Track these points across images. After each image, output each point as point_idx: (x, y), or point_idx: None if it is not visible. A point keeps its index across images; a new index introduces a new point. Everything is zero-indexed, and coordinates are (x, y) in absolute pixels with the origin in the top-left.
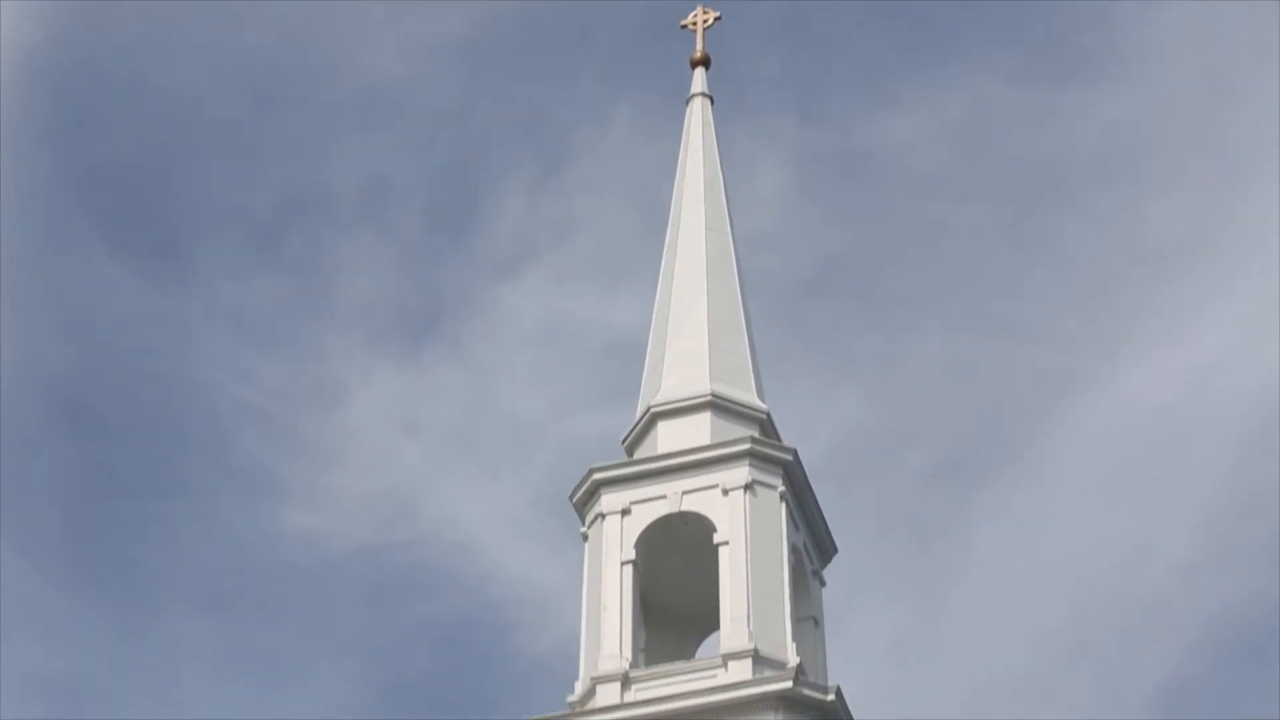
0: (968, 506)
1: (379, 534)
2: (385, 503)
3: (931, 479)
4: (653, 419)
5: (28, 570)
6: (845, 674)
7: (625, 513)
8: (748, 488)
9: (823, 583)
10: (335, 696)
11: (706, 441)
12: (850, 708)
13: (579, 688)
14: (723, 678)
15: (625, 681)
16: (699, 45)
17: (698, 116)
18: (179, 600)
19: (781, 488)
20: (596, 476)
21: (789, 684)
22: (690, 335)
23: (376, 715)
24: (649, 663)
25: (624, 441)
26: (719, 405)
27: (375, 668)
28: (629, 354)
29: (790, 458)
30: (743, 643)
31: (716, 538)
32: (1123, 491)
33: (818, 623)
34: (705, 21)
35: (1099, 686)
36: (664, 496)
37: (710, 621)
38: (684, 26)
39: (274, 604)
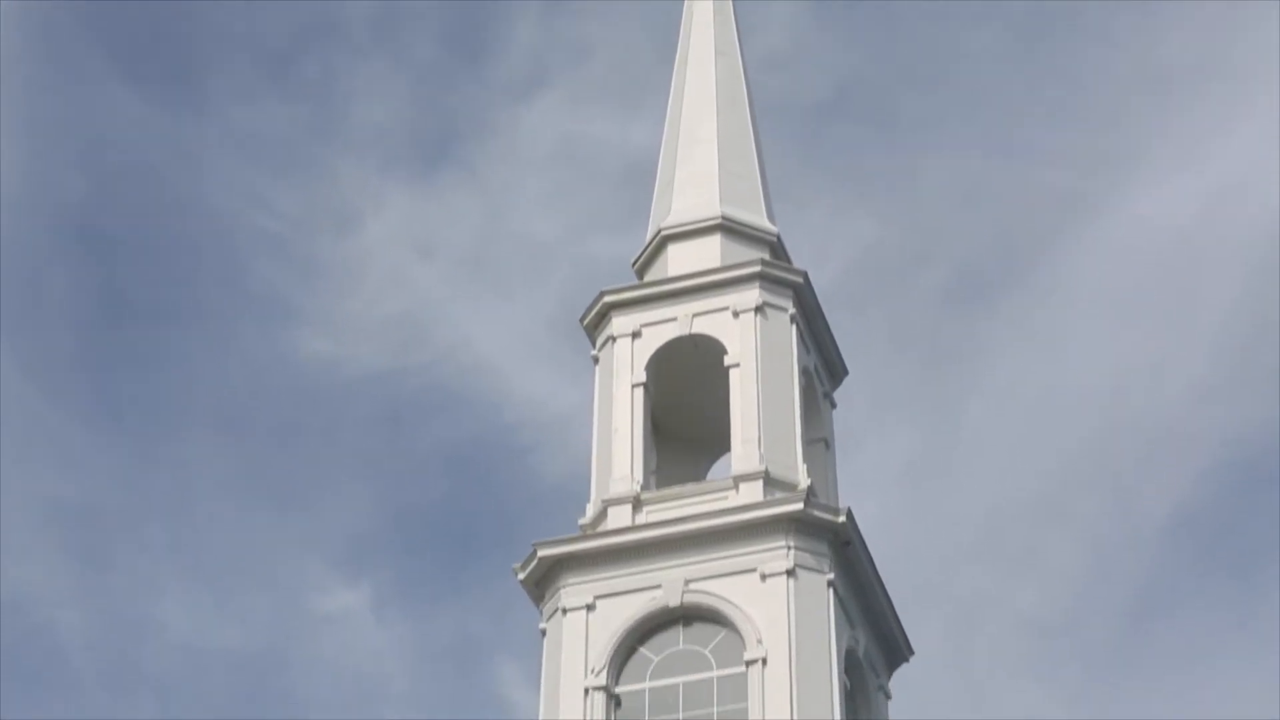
0: (981, 328)
1: (393, 358)
2: (399, 327)
3: (945, 301)
4: (663, 242)
5: (43, 397)
6: (858, 497)
7: (635, 335)
8: (758, 310)
9: (834, 405)
10: (350, 520)
11: (716, 264)
12: (862, 530)
13: (590, 510)
14: (733, 500)
15: (636, 504)
16: None
17: None
18: (194, 425)
19: (792, 310)
20: (607, 299)
21: (800, 506)
22: (700, 158)
23: (391, 538)
24: (660, 485)
25: (634, 264)
26: (729, 228)
27: (389, 491)
28: (643, 177)
29: (800, 280)
30: (753, 465)
31: (727, 360)
32: (1136, 314)
33: (829, 445)
34: None
35: (1113, 509)
36: (674, 319)
37: (721, 444)
38: None
39: (289, 429)
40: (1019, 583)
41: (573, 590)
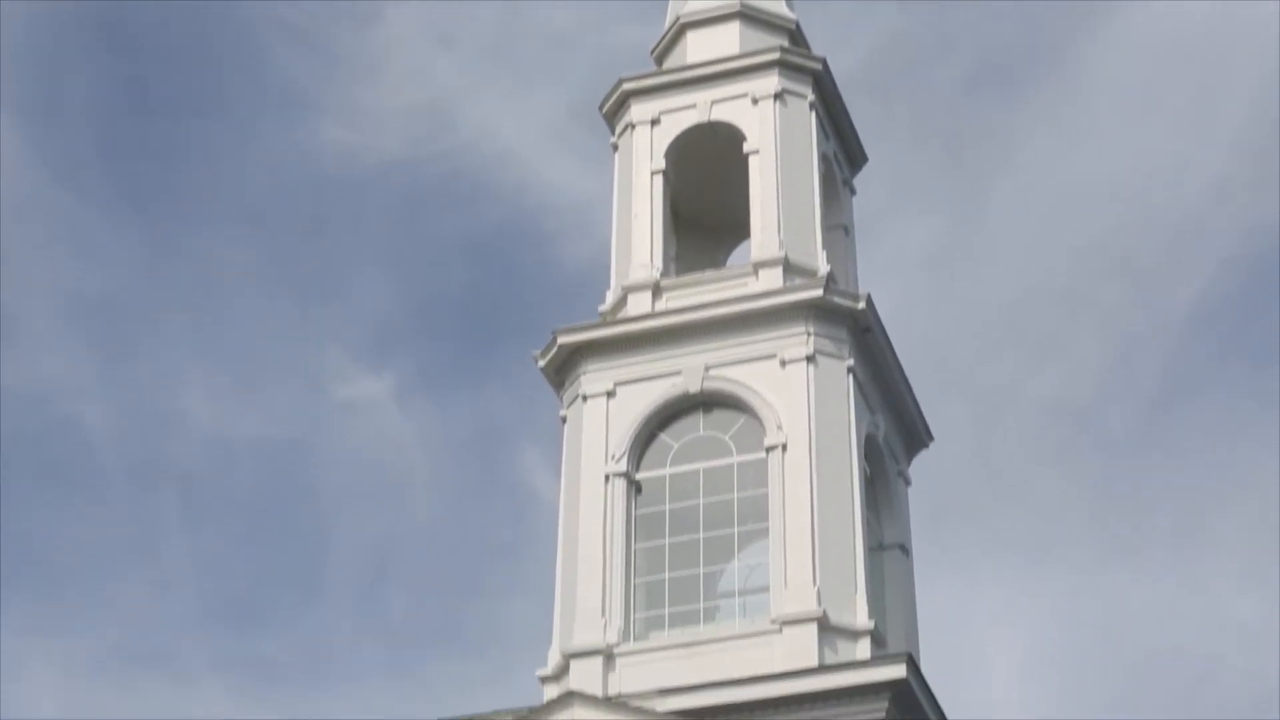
0: (1004, 118)
1: (415, 148)
2: (421, 116)
3: (968, 91)
4: (681, 29)
5: (64, 190)
6: (879, 284)
7: (654, 123)
8: (777, 96)
9: (853, 192)
10: (372, 309)
11: (735, 51)
12: (883, 318)
13: (610, 297)
14: (753, 286)
15: (656, 290)
16: None
17: None
18: (216, 216)
19: (811, 96)
20: (626, 86)
21: (819, 292)
22: None
23: (413, 327)
24: (680, 272)
25: (653, 53)
26: (748, 15)
27: (411, 280)
28: None
29: (819, 66)
30: (773, 251)
31: (746, 147)
32: (1161, 104)
33: (848, 231)
34: None
35: (1135, 298)
36: (693, 106)
37: (740, 231)
38: None
39: (311, 219)
40: (1041, 370)
41: (593, 377)
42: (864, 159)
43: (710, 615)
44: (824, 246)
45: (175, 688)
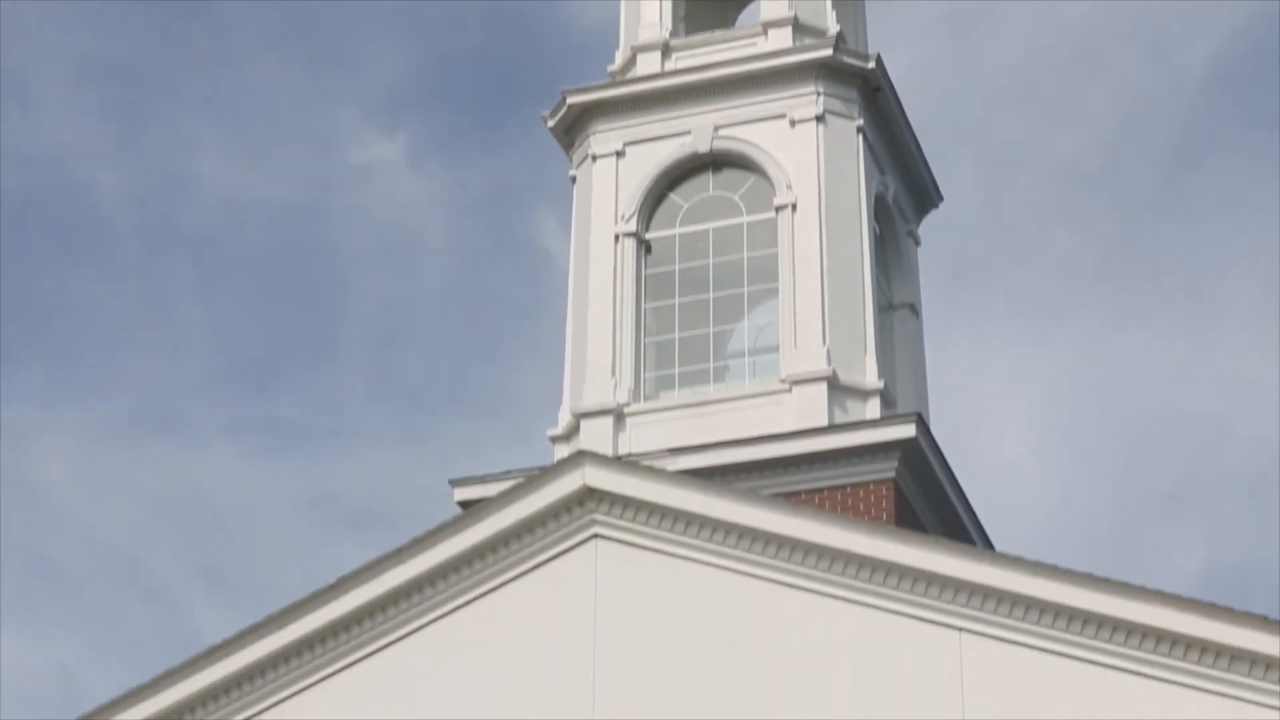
0: None
1: None
2: None
3: None
4: None
5: None
6: (889, 45)
7: None
8: None
9: None
10: (385, 72)
11: None
12: (896, 79)
13: (619, 58)
14: (762, 45)
15: (665, 50)
16: None
17: None
18: None
19: None
20: None
21: (828, 51)
22: None
23: (426, 89)
24: (689, 32)
25: None
26: None
27: (424, 42)
28: None
29: None
30: (782, 11)
31: None
32: None
33: None
34: None
35: (1151, 60)
36: None
37: None
38: None
39: None
40: (1055, 131)
41: (602, 137)
42: None
43: (720, 375)
44: (833, 6)
45: (187, 452)
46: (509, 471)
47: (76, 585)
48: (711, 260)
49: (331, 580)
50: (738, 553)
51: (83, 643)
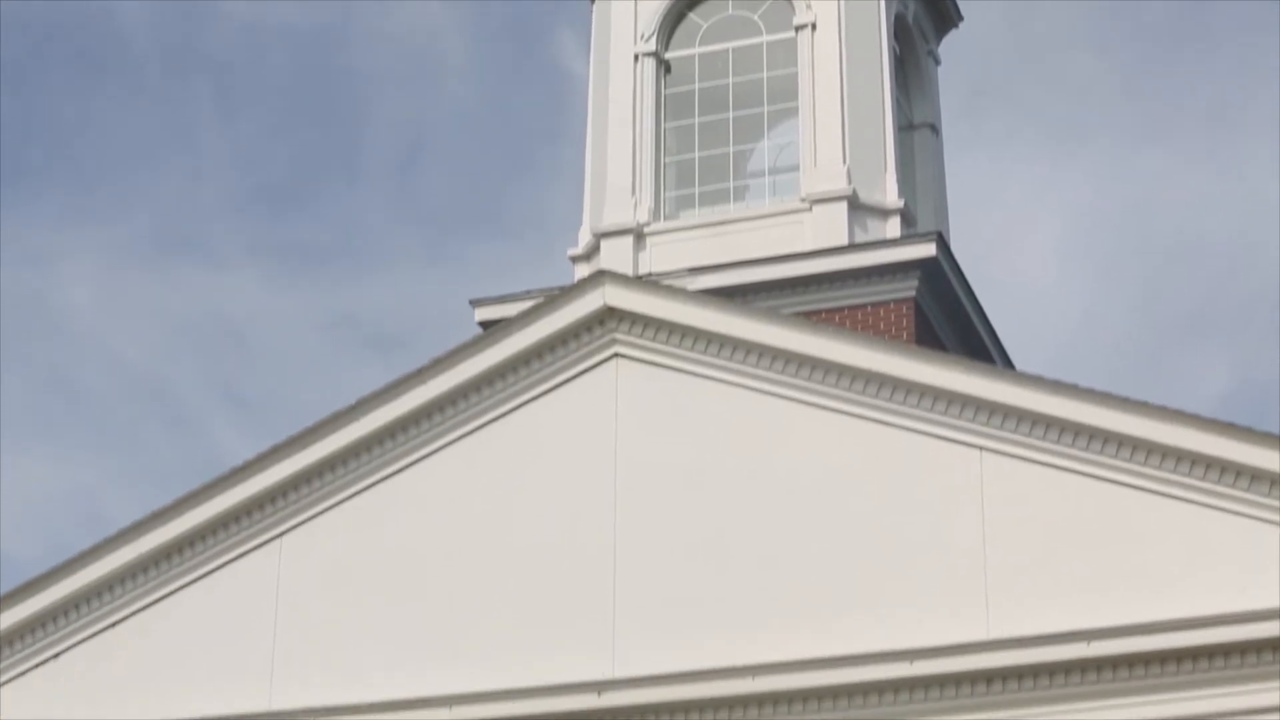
0: None
1: None
2: None
3: None
4: None
5: None
6: None
7: None
8: None
9: None
10: None
11: None
12: None
13: None
14: None
15: None
16: None
17: None
18: None
19: None
20: None
21: None
22: None
23: None
24: None
25: None
26: None
27: None
28: None
29: None
30: None
31: None
32: None
33: None
34: None
35: None
36: None
37: None
38: None
39: None
40: None
41: None
42: None
43: (740, 194)
44: None
45: (210, 273)
46: (529, 291)
47: (99, 409)
48: (731, 80)
49: (352, 401)
50: (758, 371)
51: (105, 466)
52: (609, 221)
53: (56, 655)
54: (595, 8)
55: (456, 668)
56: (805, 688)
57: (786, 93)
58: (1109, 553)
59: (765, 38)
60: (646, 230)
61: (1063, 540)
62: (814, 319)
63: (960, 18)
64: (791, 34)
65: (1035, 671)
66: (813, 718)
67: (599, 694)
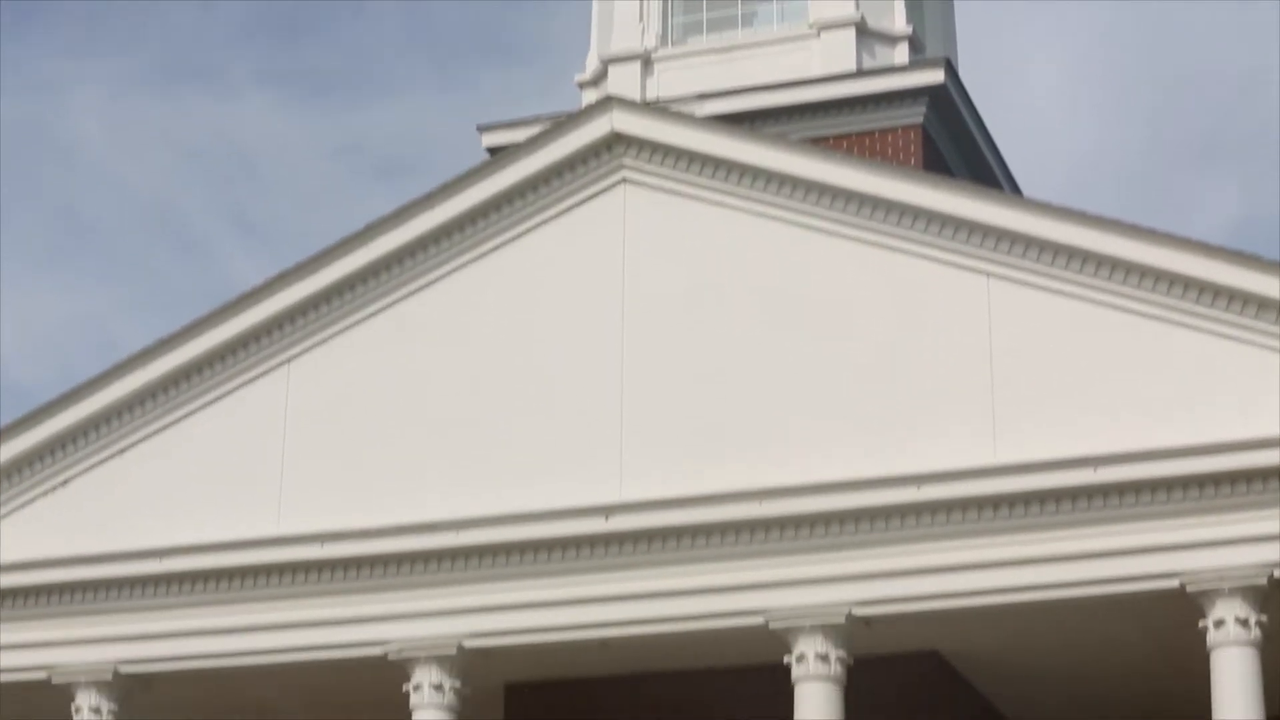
0: None
1: None
2: None
3: None
4: None
5: None
6: None
7: None
8: None
9: None
10: None
11: None
12: None
13: None
14: None
15: None
16: None
17: None
18: None
19: None
20: None
21: None
22: None
23: None
24: None
25: None
26: None
27: None
28: None
29: None
30: None
31: None
32: None
33: None
34: None
35: None
36: None
37: None
38: None
39: None
40: None
41: None
42: None
43: (748, 20)
44: None
45: (219, 101)
46: (537, 117)
47: (109, 237)
48: None
49: (360, 227)
50: (765, 197)
51: (115, 294)
52: (617, 47)
53: (65, 483)
54: None
55: (464, 492)
56: (812, 512)
57: None
58: (1115, 379)
59: None
60: (654, 56)
61: (1069, 367)
62: (821, 145)
63: None
64: None
65: (1041, 497)
66: (819, 541)
67: (606, 518)
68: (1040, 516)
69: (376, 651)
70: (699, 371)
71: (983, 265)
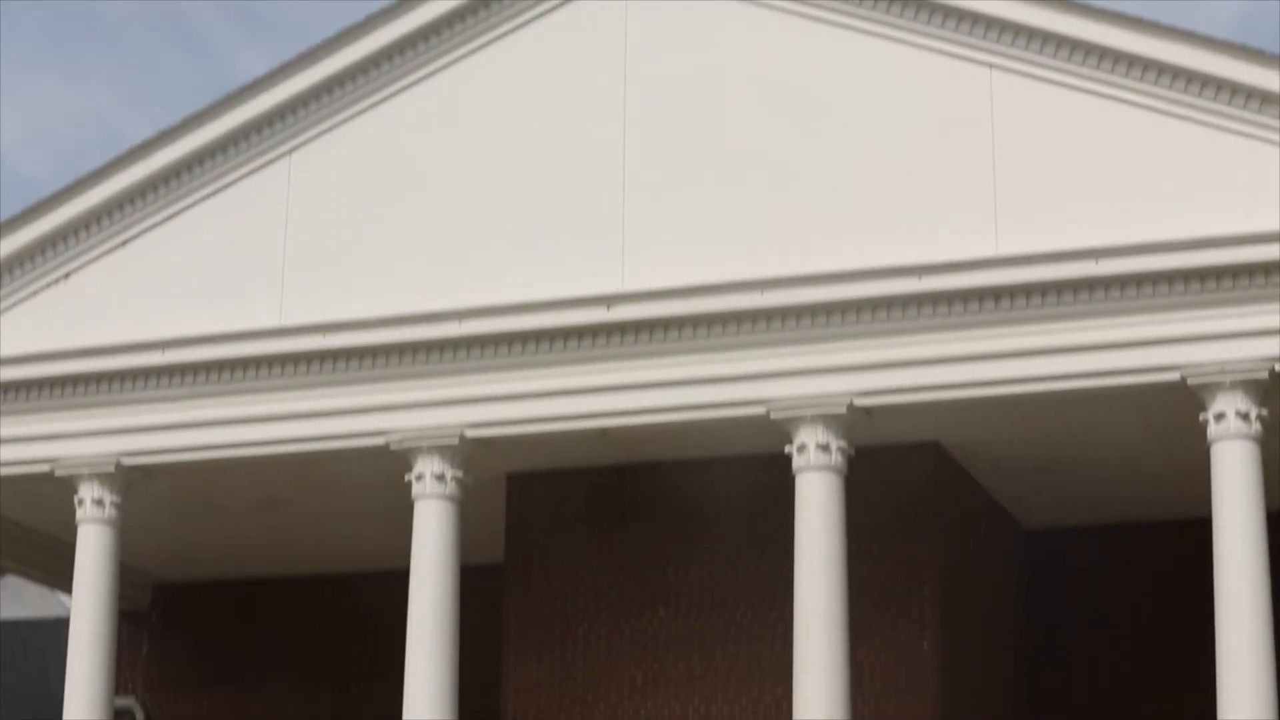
0: None
1: None
2: None
3: None
4: None
5: None
6: None
7: None
8: None
9: None
10: None
11: None
12: None
13: None
14: None
15: None
16: None
17: None
18: None
19: None
20: None
21: None
22: None
23: None
24: None
25: None
26: None
27: None
28: None
29: None
30: None
31: None
32: None
33: None
34: None
35: None
36: None
37: None
38: None
39: None
40: None
41: None
42: None
43: None
44: None
45: None
46: None
47: (113, 31)
48: None
49: (361, 18)
50: None
51: (118, 87)
52: None
53: (68, 275)
54: None
55: (466, 282)
56: (814, 302)
57: None
58: (1117, 173)
59: None
60: None
61: (1071, 159)
62: None
63: None
64: None
65: (1043, 289)
66: (821, 332)
67: (608, 308)
68: (1041, 308)
69: (378, 442)
70: (702, 161)
71: (985, 57)
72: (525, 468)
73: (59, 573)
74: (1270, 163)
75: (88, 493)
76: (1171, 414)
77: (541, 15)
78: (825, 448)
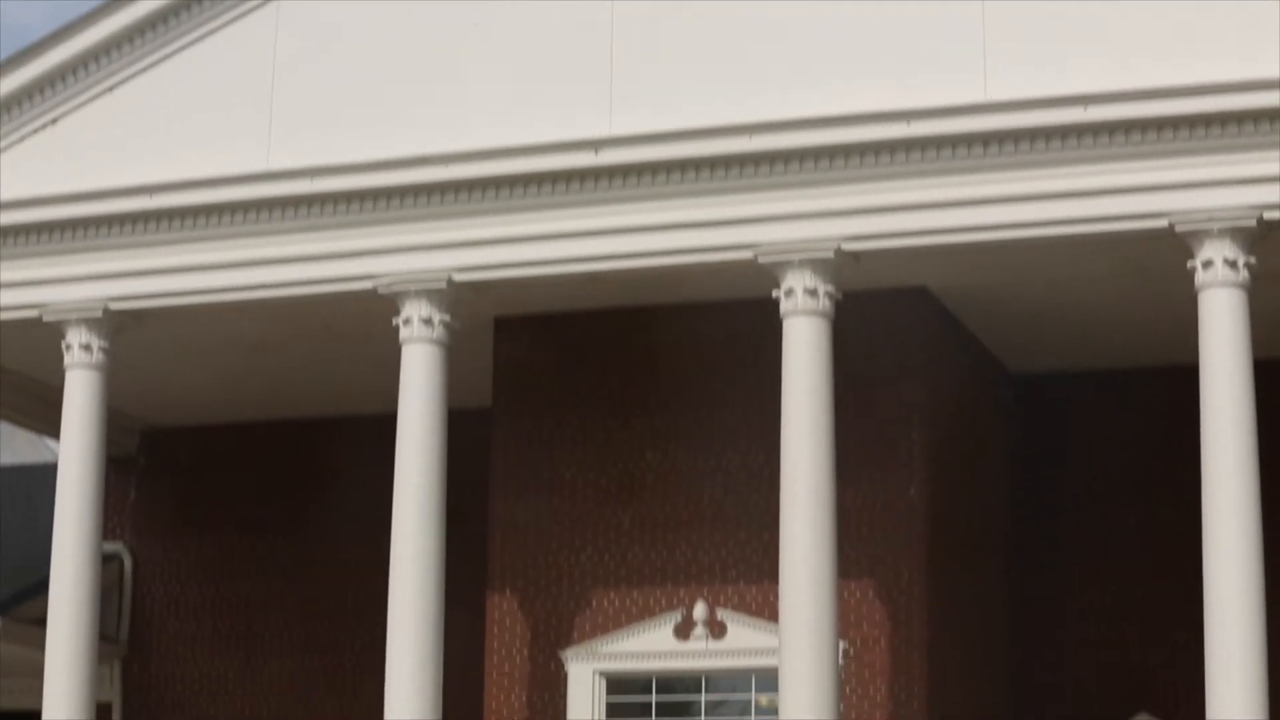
0: None
1: None
2: None
3: None
4: None
5: None
6: None
7: None
8: None
9: None
10: None
11: None
12: None
13: None
14: None
15: None
16: None
17: None
18: None
19: None
20: None
21: None
22: None
23: None
24: None
25: None
26: None
27: None
28: None
29: None
30: None
31: None
32: None
33: None
34: None
35: None
36: None
37: None
38: None
39: None
40: None
41: None
42: None
43: None
44: None
45: None
46: None
47: None
48: None
49: None
50: None
51: None
52: None
53: (55, 121)
54: None
55: (453, 127)
56: (801, 147)
57: None
58: (1110, 18)
59: None
60: None
61: (1062, 4)
62: None
63: None
64: None
65: (1032, 134)
66: (809, 176)
67: (595, 152)
68: (1030, 154)
69: (366, 285)
70: (689, 6)
71: None
72: (513, 312)
73: (48, 419)
74: (1266, 9)
75: (75, 338)
76: (1162, 261)
77: None
78: (813, 292)
